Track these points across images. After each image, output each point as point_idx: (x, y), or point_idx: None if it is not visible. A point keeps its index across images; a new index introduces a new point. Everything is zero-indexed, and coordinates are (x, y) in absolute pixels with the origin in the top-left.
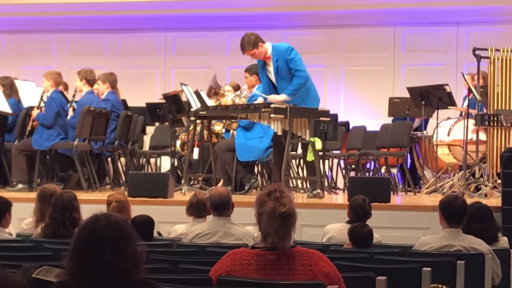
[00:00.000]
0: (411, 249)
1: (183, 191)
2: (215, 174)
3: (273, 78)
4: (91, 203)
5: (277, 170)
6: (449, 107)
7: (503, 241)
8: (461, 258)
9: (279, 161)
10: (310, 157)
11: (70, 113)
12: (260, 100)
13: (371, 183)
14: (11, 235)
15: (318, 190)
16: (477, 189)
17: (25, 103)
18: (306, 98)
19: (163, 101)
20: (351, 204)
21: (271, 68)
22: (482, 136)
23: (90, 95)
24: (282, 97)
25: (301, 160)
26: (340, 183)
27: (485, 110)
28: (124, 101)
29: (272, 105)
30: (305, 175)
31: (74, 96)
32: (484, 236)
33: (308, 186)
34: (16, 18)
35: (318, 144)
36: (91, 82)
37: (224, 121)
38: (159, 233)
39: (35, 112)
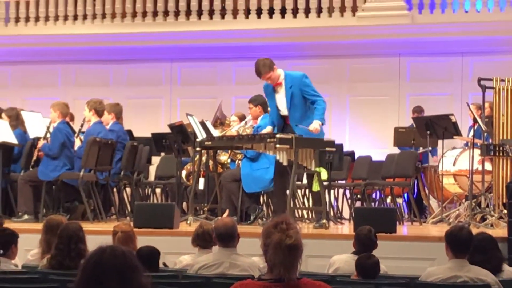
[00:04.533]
0: (417, 280)
1: (188, 222)
2: (220, 204)
3: (281, 105)
4: (97, 234)
5: (279, 198)
6: (454, 137)
7: (508, 272)
8: None
9: (279, 189)
10: (315, 187)
11: (78, 143)
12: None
13: (377, 214)
14: (16, 267)
15: (324, 221)
16: (483, 219)
17: (31, 134)
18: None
19: (169, 131)
20: (357, 234)
21: (280, 95)
22: (488, 166)
23: (98, 125)
24: (318, 123)
25: (307, 190)
26: (346, 213)
27: (490, 140)
28: (129, 131)
29: (277, 136)
30: (310, 206)
31: (82, 126)
32: (487, 267)
33: (314, 216)
34: (21, 49)
35: (324, 174)
36: (100, 112)
37: (229, 151)
38: (165, 264)
39: (41, 143)
